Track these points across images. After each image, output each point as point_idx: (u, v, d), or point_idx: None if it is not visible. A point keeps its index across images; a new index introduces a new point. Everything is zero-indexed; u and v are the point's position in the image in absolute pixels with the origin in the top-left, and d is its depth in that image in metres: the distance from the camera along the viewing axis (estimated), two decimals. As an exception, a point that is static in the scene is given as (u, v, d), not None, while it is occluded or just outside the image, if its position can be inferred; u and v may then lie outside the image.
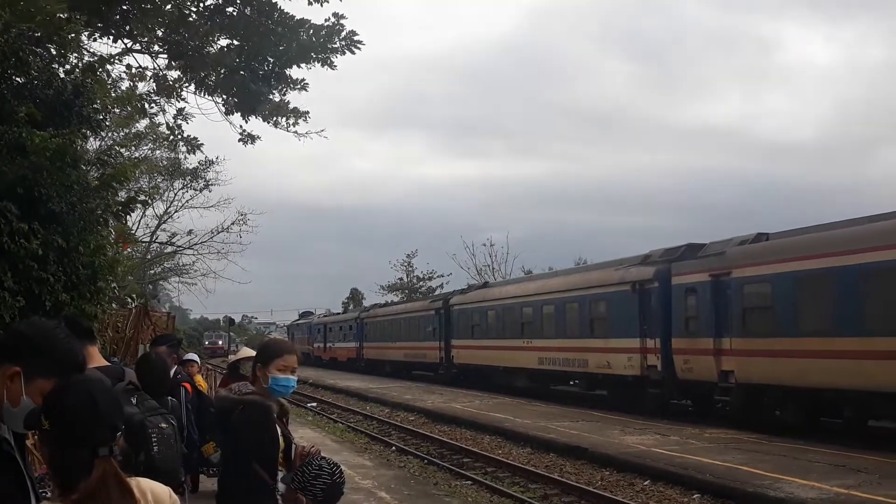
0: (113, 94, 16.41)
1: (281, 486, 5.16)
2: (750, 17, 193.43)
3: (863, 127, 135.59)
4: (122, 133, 29.09)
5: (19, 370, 2.75)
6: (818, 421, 19.19)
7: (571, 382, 31.41)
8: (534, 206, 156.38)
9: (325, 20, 12.71)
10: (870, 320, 16.81)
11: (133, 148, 31.53)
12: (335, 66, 12.90)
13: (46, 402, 2.62)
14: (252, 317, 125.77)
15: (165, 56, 13.83)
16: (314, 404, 34.59)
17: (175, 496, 2.75)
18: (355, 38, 12.75)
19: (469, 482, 16.54)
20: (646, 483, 15.37)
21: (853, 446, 16.88)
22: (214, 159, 41.24)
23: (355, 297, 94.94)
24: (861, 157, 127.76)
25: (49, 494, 2.80)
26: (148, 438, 5.51)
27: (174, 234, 45.78)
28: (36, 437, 2.99)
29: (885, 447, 16.73)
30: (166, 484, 3.26)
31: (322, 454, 4.81)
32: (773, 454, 16.33)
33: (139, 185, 33.39)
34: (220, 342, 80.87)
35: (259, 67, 12.93)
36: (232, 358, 11.53)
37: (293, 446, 5.23)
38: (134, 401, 5.66)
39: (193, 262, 48.03)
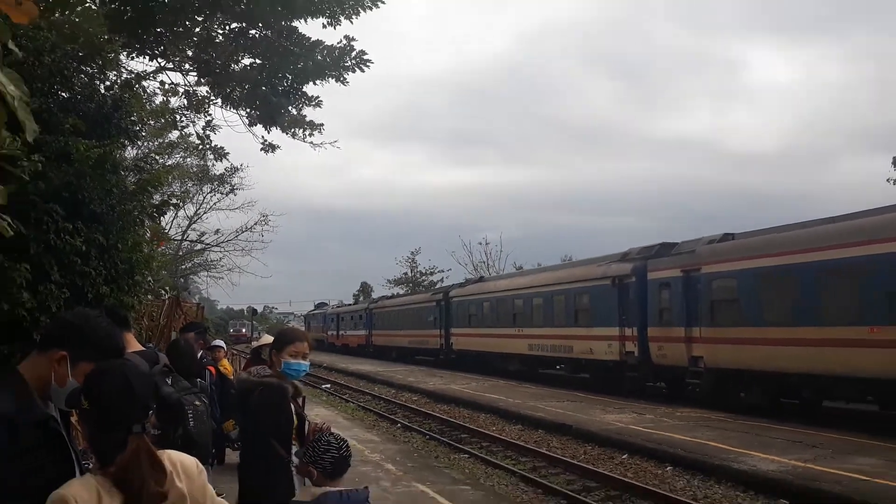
0: (148, 108, 16.47)
1: (295, 460, 5.19)
2: (719, 40, 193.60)
3: (819, 139, 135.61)
4: (156, 142, 29.14)
5: (65, 354, 2.78)
6: (779, 402, 19.21)
7: (558, 367, 31.40)
8: (525, 208, 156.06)
9: (338, 42, 12.73)
10: (825, 312, 16.85)
11: (166, 156, 31.54)
12: (347, 82, 12.91)
13: (86, 384, 2.65)
14: (273, 307, 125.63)
15: (195, 73, 13.84)
16: (328, 385, 34.60)
17: (202, 467, 2.77)
18: (364, 57, 12.76)
19: (466, 455, 16.58)
20: (624, 456, 15.40)
21: (809, 424, 16.91)
22: (239, 166, 41.39)
23: (365, 289, 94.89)
24: (817, 166, 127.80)
25: (91, 466, 2.83)
26: (185, 415, 5.55)
27: (203, 233, 45.96)
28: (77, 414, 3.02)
29: (838, 425, 16.77)
30: (199, 456, 3.28)
31: (332, 430, 4.84)
32: (737, 431, 16.38)
33: (172, 189, 33.43)
34: (244, 330, 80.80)
35: (279, 83, 12.93)
36: (254, 344, 11.55)
37: (306, 423, 5.27)
38: (169, 381, 5.71)
39: (220, 258, 48.15)
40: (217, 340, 13.26)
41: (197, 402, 5.88)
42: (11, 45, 1.82)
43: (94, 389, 2.61)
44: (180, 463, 2.66)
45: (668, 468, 14.15)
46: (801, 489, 11.54)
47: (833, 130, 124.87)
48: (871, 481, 11.33)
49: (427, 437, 19.45)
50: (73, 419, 3.03)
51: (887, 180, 55.02)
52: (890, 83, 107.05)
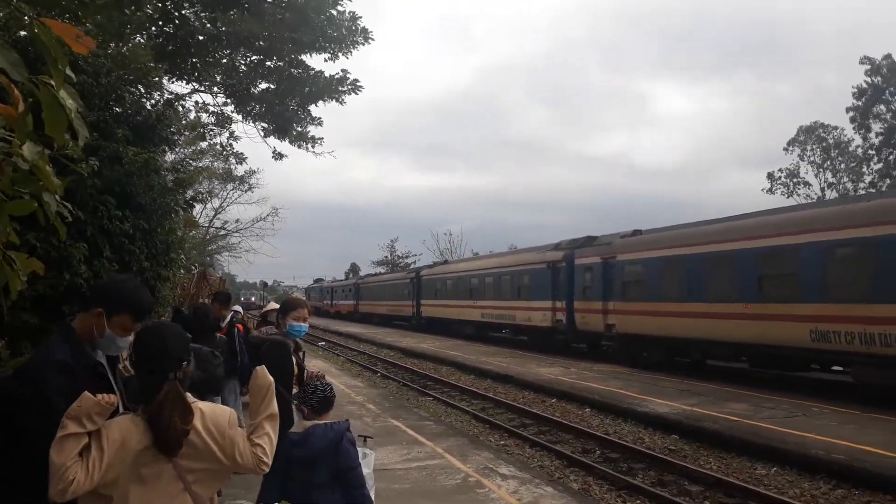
0: (184, 122, 16.23)
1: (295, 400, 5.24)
2: (634, 78, 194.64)
3: (709, 158, 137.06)
4: (190, 149, 28.71)
5: (102, 310, 2.78)
6: (673, 360, 19.43)
7: (503, 331, 31.57)
8: (481, 207, 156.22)
9: (337, 72, 12.67)
10: (710, 291, 17.07)
11: (198, 160, 31.19)
12: (344, 102, 12.86)
13: (134, 342, 2.67)
14: (280, 281, 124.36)
15: (222, 95, 13.69)
16: (323, 343, 34.48)
17: (235, 417, 2.73)
18: (357, 84, 12.70)
19: (431, 398, 16.63)
20: (553, 400, 15.54)
21: (696, 378, 17.15)
22: (255, 169, 41.36)
23: (353, 268, 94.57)
24: (707, 179, 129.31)
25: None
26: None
27: (226, 222, 45.62)
28: (127, 361, 3.01)
29: (717, 379, 17.03)
30: (209, 383, 3.31)
31: (324, 377, 4.87)
32: (641, 382, 16.57)
33: (201, 186, 33.12)
34: (253, 298, 79.59)
35: (289, 104, 12.84)
36: (263, 309, 11.46)
37: (305, 372, 5.29)
38: None
39: (239, 242, 47.74)
40: (235, 306, 13.15)
41: (201, 347, 5.94)
42: (69, 72, 1.81)
43: (138, 344, 2.63)
44: (210, 411, 2.63)
45: (587, 409, 14.30)
46: (688, 427, 11.71)
47: (720, 151, 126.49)
48: (741, 421, 11.52)
49: (400, 383, 19.48)
50: (121, 367, 3.01)
51: (762, 190, 55.93)
52: (764, 115, 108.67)
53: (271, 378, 2.94)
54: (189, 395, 2.60)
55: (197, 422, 2.53)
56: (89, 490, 2.36)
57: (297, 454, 3.93)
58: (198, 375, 3.41)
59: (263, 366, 3.05)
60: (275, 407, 2.86)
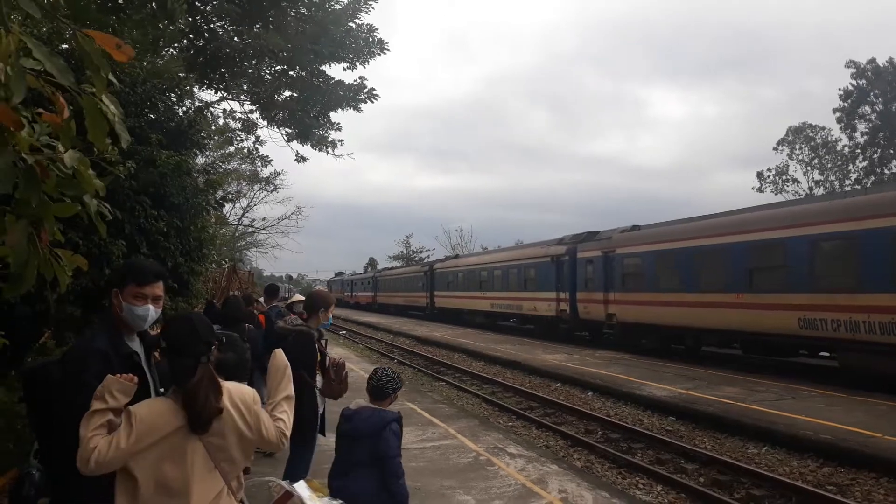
0: (213, 128, 16.31)
1: (318, 382, 5.29)
2: (630, 84, 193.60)
3: (701, 158, 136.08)
4: (219, 153, 28.82)
5: (117, 290, 2.85)
6: (670, 346, 19.41)
7: (511, 320, 31.54)
8: (488, 206, 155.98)
9: (354, 81, 12.66)
10: (704, 282, 17.01)
11: (226, 163, 31.30)
12: (361, 110, 12.85)
13: (163, 329, 2.70)
14: (304, 275, 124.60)
15: (248, 102, 13.73)
16: (344, 332, 34.58)
17: (258, 396, 2.75)
18: (374, 92, 12.68)
19: (444, 383, 16.66)
20: (558, 385, 15.53)
21: (691, 363, 17.11)
22: (280, 171, 41.53)
23: (372, 262, 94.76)
24: (699, 178, 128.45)
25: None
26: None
27: (253, 220, 45.68)
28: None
29: (711, 364, 16.99)
30: (240, 372, 3.34)
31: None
32: (639, 367, 16.54)
33: (230, 187, 33.24)
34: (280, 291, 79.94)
35: (310, 111, 12.84)
36: (289, 300, 11.49)
37: (328, 359, 5.34)
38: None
39: (266, 238, 47.89)
40: (260, 298, 13.24)
41: (231, 333, 5.99)
42: (112, 77, 1.82)
43: (169, 331, 2.65)
44: (238, 391, 2.65)
45: (590, 393, 14.29)
46: (684, 409, 11.68)
47: (712, 152, 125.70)
48: (734, 404, 11.49)
49: (416, 369, 19.52)
50: (156, 354, 3.04)
51: (752, 188, 55.53)
52: (752, 118, 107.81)
53: (287, 361, 2.97)
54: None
55: (225, 400, 2.54)
56: (115, 462, 2.37)
57: (343, 428, 3.99)
58: (230, 357, 3.45)
59: (280, 349, 3.07)
60: (291, 389, 2.89)
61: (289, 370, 2.94)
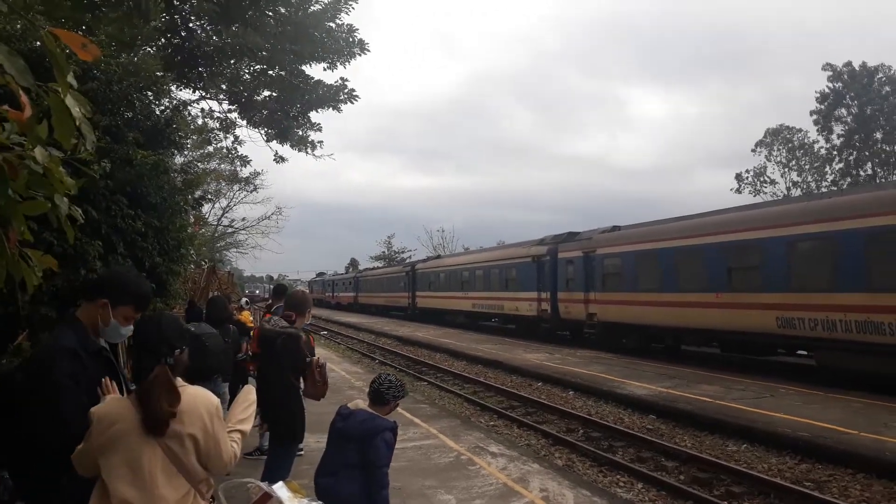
0: (192, 127, 16.14)
1: (302, 386, 5.27)
2: (611, 84, 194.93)
3: (682, 159, 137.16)
4: (197, 152, 28.53)
5: (107, 301, 2.81)
6: (649, 346, 19.53)
7: (493, 320, 31.58)
8: (470, 205, 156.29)
9: (335, 81, 12.61)
10: (683, 282, 17.15)
11: (205, 162, 31.03)
12: (341, 110, 12.79)
13: (134, 328, 2.69)
14: (285, 275, 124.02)
15: (227, 101, 13.61)
16: (325, 332, 34.41)
17: (217, 402, 2.65)
18: (354, 93, 12.64)
19: (426, 383, 16.63)
20: (539, 384, 15.57)
21: (671, 362, 17.25)
22: (260, 171, 41.12)
23: (353, 263, 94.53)
24: (680, 178, 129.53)
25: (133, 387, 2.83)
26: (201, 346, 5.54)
27: (233, 220, 45.37)
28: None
29: (691, 363, 17.13)
30: (216, 363, 3.30)
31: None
32: (620, 366, 16.63)
33: (209, 187, 32.98)
34: (258, 291, 79.23)
35: (290, 111, 12.75)
36: (269, 301, 11.43)
37: (311, 360, 5.34)
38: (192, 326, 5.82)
39: (246, 239, 47.56)
40: (242, 300, 13.17)
41: (213, 330, 5.96)
42: (71, 79, 1.79)
43: (137, 330, 2.67)
44: (204, 400, 2.58)
45: (570, 392, 14.34)
46: (664, 407, 11.77)
47: (692, 152, 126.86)
48: (713, 402, 11.59)
49: (397, 369, 19.47)
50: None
51: (730, 189, 56.16)
52: (733, 119, 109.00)
53: (255, 398, 2.98)
54: (179, 380, 2.58)
55: (188, 404, 2.49)
56: (82, 459, 2.42)
57: (338, 426, 3.93)
58: (196, 364, 3.41)
59: (251, 387, 3.07)
60: (249, 426, 2.85)
61: (253, 408, 2.92)
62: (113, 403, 2.48)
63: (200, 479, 2.52)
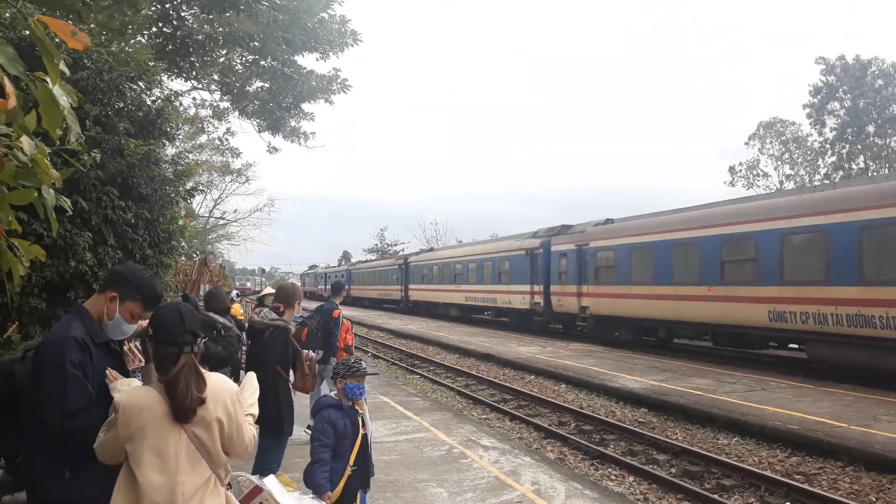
0: (183, 117, 16.04)
1: (292, 377, 5.28)
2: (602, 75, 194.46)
3: (675, 152, 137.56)
4: (189, 143, 28.41)
5: (116, 295, 2.79)
6: (642, 339, 19.60)
7: (486, 313, 31.65)
8: (465, 199, 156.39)
9: (328, 72, 12.56)
10: (674, 275, 17.19)
11: (197, 153, 30.88)
12: (333, 102, 12.74)
13: (151, 317, 2.69)
14: (277, 268, 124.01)
15: (219, 92, 13.54)
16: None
17: (236, 387, 2.74)
18: (346, 83, 12.61)
19: (418, 376, 16.65)
20: (532, 377, 15.60)
21: (663, 355, 17.31)
22: (252, 162, 40.93)
23: (346, 255, 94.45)
24: (673, 172, 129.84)
25: (141, 379, 2.83)
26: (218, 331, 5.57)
27: (225, 212, 45.13)
28: (136, 342, 3.03)
29: (683, 356, 17.21)
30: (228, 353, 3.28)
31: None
32: (612, 360, 16.68)
33: (200, 178, 32.81)
34: (249, 284, 79.12)
35: (282, 102, 12.69)
36: (260, 293, 11.42)
37: (301, 353, 5.36)
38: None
39: (237, 231, 47.35)
40: (233, 292, 13.14)
41: (227, 322, 6.01)
42: (63, 67, 1.76)
43: (157, 319, 2.64)
44: (220, 381, 2.64)
45: (563, 385, 14.37)
46: (656, 400, 11.81)
47: (686, 146, 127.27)
48: (705, 395, 11.64)
49: (390, 362, 19.49)
50: (126, 347, 3.01)
51: (724, 182, 56.27)
52: (729, 111, 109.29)
53: (257, 384, 3.00)
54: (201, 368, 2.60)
55: (210, 391, 2.53)
56: (107, 448, 2.45)
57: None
58: (219, 351, 3.42)
59: (253, 374, 3.10)
60: (256, 409, 2.88)
61: (257, 394, 2.95)
62: (138, 392, 2.50)
63: (222, 464, 2.57)
